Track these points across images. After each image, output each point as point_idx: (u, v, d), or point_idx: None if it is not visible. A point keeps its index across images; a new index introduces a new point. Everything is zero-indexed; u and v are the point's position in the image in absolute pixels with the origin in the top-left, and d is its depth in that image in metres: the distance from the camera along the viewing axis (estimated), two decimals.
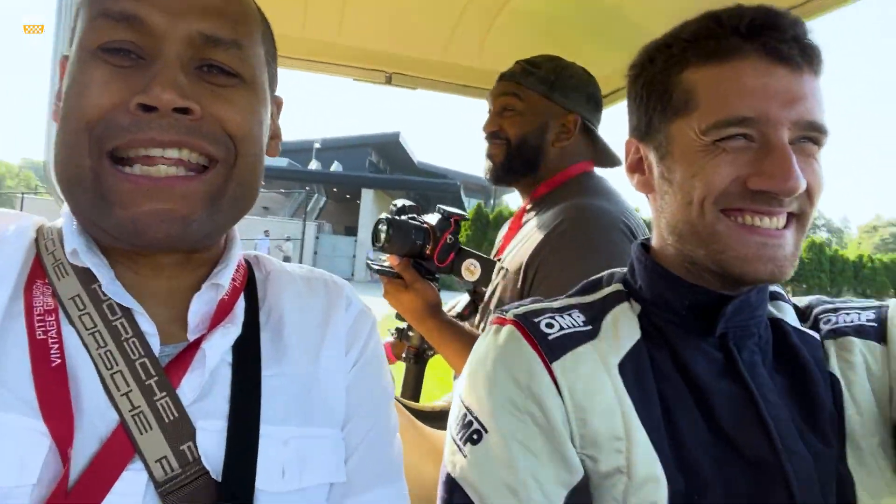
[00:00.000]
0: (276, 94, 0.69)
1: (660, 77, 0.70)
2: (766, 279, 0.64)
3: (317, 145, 31.14)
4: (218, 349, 0.59)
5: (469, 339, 1.29)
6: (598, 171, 1.46)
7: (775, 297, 0.76)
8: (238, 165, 0.58)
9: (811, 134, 0.63)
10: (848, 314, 0.74)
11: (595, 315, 0.71)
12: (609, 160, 1.47)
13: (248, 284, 0.69)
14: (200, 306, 0.61)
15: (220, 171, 0.57)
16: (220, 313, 0.62)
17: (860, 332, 0.71)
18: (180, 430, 0.54)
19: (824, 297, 0.79)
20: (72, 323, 0.55)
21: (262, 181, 0.64)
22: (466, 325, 1.41)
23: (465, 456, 0.64)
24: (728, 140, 0.63)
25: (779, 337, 0.72)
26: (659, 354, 0.68)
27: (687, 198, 0.66)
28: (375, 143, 32.87)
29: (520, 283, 1.26)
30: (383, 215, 1.31)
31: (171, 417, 0.54)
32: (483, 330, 0.76)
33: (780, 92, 0.61)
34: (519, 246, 1.33)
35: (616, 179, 1.36)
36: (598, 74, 1.45)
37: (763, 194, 0.62)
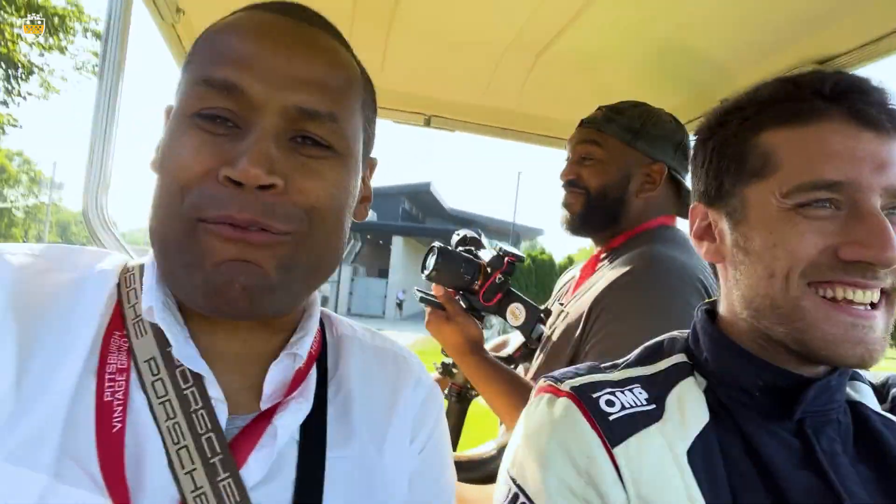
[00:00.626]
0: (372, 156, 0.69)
1: (733, 140, 0.66)
2: (855, 364, 0.59)
3: None
4: (289, 427, 0.57)
5: (510, 381, 1.25)
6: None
7: (853, 377, 0.71)
8: (313, 235, 0.57)
9: None
10: None
11: (659, 392, 0.66)
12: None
13: (321, 350, 0.67)
14: (276, 375, 0.59)
15: (291, 240, 0.56)
16: (295, 383, 0.60)
17: None
18: None
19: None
20: (144, 389, 0.54)
21: (342, 249, 0.63)
22: (515, 367, 1.37)
23: None
24: (811, 206, 0.59)
25: (859, 422, 0.66)
26: (729, 439, 0.62)
27: (769, 269, 0.61)
28: (408, 193, 34.60)
29: (579, 330, 1.21)
30: (436, 244, 1.30)
31: (233, 501, 0.51)
32: (534, 391, 0.72)
33: (869, 156, 0.58)
34: (584, 292, 1.29)
35: None
36: None
37: (857, 265, 0.57)
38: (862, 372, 0.73)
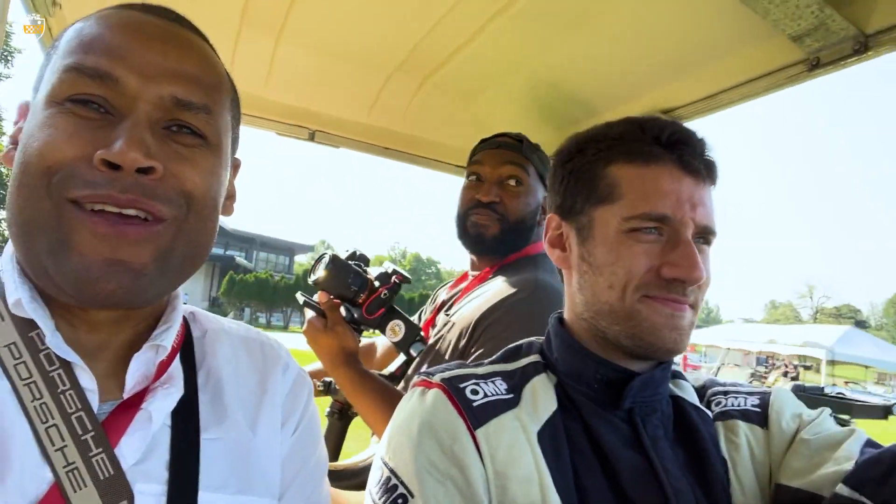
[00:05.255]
0: (236, 156, 0.70)
1: (588, 166, 0.79)
2: (671, 347, 0.72)
3: None
4: (162, 411, 0.58)
5: (383, 392, 1.27)
6: None
7: (676, 375, 0.84)
8: (189, 221, 0.58)
9: (706, 235, 0.75)
10: (736, 398, 0.81)
11: (516, 384, 0.75)
12: None
13: (186, 343, 0.67)
14: (139, 366, 0.59)
15: (169, 227, 0.56)
16: (158, 373, 0.61)
17: (745, 416, 0.77)
18: (116, 487, 0.52)
19: (717, 379, 0.88)
20: (6, 373, 0.53)
21: (213, 239, 0.64)
22: (396, 385, 1.39)
23: None
24: (642, 232, 0.72)
25: (679, 413, 0.78)
26: (573, 425, 0.72)
27: (608, 282, 0.73)
28: None
29: (465, 338, 1.27)
30: (328, 252, 1.29)
31: (107, 475, 0.52)
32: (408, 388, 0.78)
33: (688, 197, 0.72)
34: (472, 305, 1.34)
35: None
36: None
37: (673, 282, 0.71)
38: (687, 376, 0.86)
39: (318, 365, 1.52)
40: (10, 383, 0.53)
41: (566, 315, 0.83)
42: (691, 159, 0.73)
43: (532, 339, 0.87)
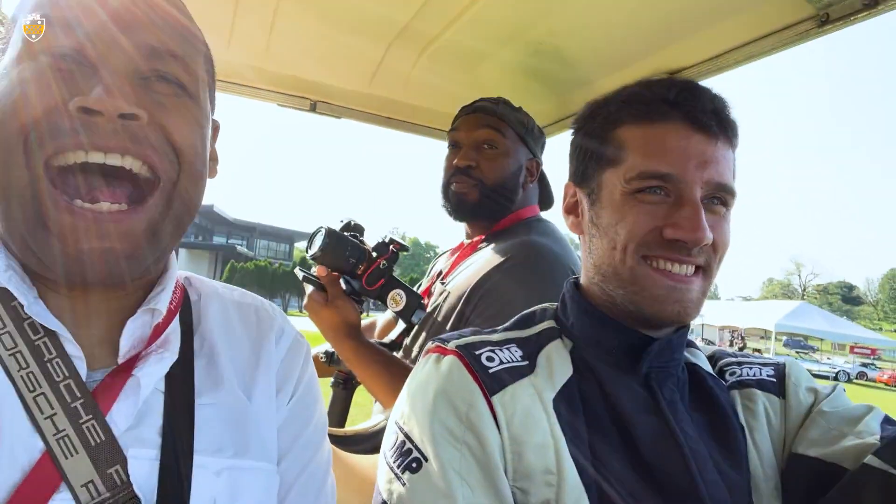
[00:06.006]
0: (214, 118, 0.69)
1: (598, 131, 0.78)
2: (674, 318, 0.71)
3: None
4: (152, 377, 0.57)
5: (387, 363, 1.28)
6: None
7: (689, 344, 0.84)
8: (181, 181, 0.57)
9: (720, 195, 0.72)
10: (751, 368, 0.82)
11: (531, 350, 0.75)
12: (549, 203, 1.57)
13: (184, 307, 0.66)
14: (134, 331, 0.59)
15: (161, 196, 0.55)
16: (154, 337, 0.60)
17: (762, 385, 0.79)
18: (107, 453, 0.52)
19: (725, 350, 0.89)
20: None
21: (201, 200, 0.63)
22: (397, 353, 1.39)
23: (403, 484, 0.64)
24: (647, 192, 0.71)
25: (695, 379, 0.78)
26: (589, 390, 0.72)
27: (612, 243, 0.73)
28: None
29: (460, 305, 1.28)
30: (324, 225, 1.28)
31: (98, 441, 0.52)
32: (421, 354, 0.77)
33: (695, 155, 0.70)
34: (468, 272, 1.35)
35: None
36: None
37: (676, 243, 0.69)
38: (700, 345, 0.87)
39: (325, 346, 1.52)
40: None
41: (583, 280, 0.82)
42: (700, 115, 0.71)
43: (545, 304, 0.86)
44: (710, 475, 0.68)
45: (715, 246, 0.72)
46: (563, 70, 1.58)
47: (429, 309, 1.38)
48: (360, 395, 1.55)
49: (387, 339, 1.49)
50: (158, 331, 0.60)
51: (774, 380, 0.79)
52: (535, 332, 0.79)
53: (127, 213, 0.53)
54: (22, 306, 0.53)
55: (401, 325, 1.50)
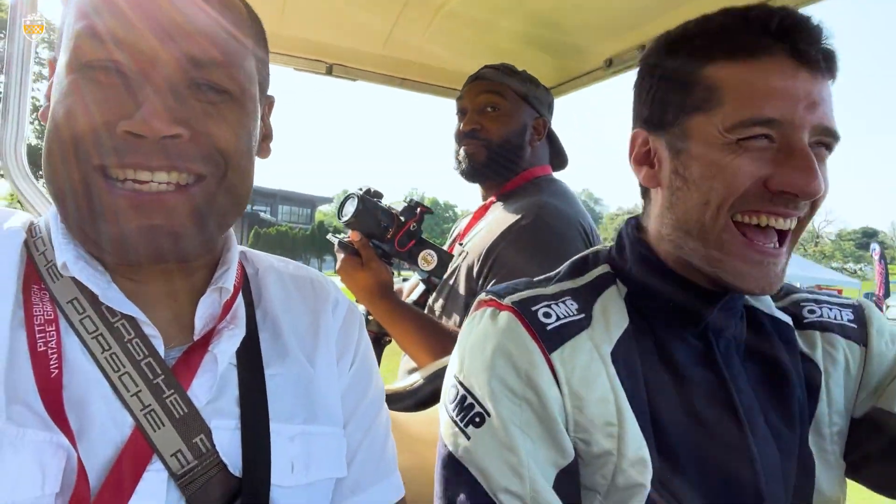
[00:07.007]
0: (269, 93, 0.69)
1: (680, 69, 0.68)
2: (756, 293, 0.69)
3: None
4: (227, 353, 0.60)
5: (420, 320, 1.34)
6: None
7: None
8: (228, 177, 0.59)
9: (826, 139, 0.64)
10: (831, 309, 0.79)
11: (586, 301, 0.73)
12: (562, 163, 1.60)
13: (244, 283, 0.69)
14: (206, 309, 0.62)
15: (209, 184, 0.57)
16: (223, 314, 0.63)
17: (843, 331, 0.77)
18: (191, 424, 0.55)
19: (792, 284, 0.85)
20: (74, 329, 0.55)
21: (251, 188, 0.64)
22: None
23: (468, 438, 0.66)
24: (751, 140, 0.63)
25: (753, 326, 0.76)
26: (644, 341, 0.71)
27: (704, 198, 0.65)
28: None
29: (477, 265, 1.33)
30: (354, 190, 1.32)
31: (182, 413, 0.55)
32: (470, 311, 0.77)
33: (803, 95, 0.62)
34: (483, 233, 1.40)
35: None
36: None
37: (782, 196, 0.63)
38: None
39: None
40: (79, 337, 0.55)
41: (651, 231, 0.76)
42: (808, 48, 0.62)
43: (598, 247, 0.84)
44: (760, 428, 0.69)
45: (818, 198, 0.65)
46: (586, 24, 1.54)
47: (449, 270, 1.43)
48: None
49: (410, 299, 1.55)
50: (227, 308, 0.63)
51: (855, 326, 0.78)
52: (590, 280, 0.76)
53: (174, 193, 0.55)
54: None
55: (421, 287, 1.55)
